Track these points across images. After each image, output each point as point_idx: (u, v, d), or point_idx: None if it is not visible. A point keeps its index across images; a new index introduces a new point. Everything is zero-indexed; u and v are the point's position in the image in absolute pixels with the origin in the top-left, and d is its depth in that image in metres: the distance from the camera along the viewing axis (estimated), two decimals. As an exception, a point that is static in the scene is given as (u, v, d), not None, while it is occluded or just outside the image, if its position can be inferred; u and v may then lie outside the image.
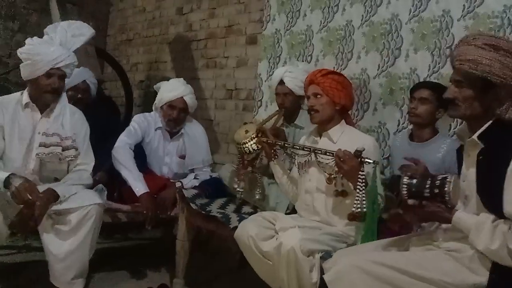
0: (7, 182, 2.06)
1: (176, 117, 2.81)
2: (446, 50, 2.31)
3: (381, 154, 2.42)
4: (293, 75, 2.59)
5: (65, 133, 2.32)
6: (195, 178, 2.82)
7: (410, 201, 1.48)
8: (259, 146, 2.22)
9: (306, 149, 2.07)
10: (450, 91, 1.53)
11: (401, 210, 1.59)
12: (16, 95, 2.36)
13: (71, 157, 2.33)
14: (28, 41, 2.30)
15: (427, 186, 1.45)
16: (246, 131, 2.28)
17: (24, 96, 2.32)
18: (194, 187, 2.67)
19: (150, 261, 2.93)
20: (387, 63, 2.56)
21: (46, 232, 2.16)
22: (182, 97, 2.81)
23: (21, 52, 2.27)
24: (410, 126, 2.28)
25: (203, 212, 2.37)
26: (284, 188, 2.29)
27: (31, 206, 2.04)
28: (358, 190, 1.83)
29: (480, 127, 1.48)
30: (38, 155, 2.27)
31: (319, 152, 2.01)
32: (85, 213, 2.16)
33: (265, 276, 1.99)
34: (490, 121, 1.47)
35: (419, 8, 2.44)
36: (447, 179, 1.43)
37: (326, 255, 1.80)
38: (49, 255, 2.17)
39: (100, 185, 2.60)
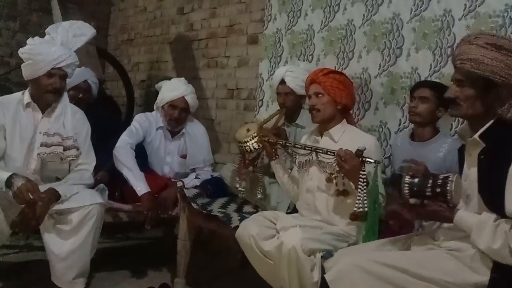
0: (9, 182, 2.06)
1: (177, 117, 2.82)
2: (448, 49, 2.31)
3: (382, 153, 2.42)
4: (294, 75, 2.59)
5: (67, 133, 2.32)
6: (196, 177, 2.83)
7: (412, 200, 1.49)
8: (260, 145, 2.22)
9: (308, 148, 2.06)
10: (452, 90, 1.53)
11: (397, 206, 1.60)
12: (17, 95, 2.36)
13: (73, 157, 2.33)
14: (29, 41, 2.30)
15: (429, 185, 1.45)
16: (248, 130, 2.28)
17: (25, 96, 2.32)
18: (195, 187, 2.68)
19: (151, 261, 2.93)
20: (388, 62, 2.55)
21: (48, 231, 2.17)
22: (183, 96, 2.81)
23: (22, 52, 2.27)
24: (411, 126, 2.28)
25: (204, 212, 2.37)
26: (285, 187, 2.29)
27: (33, 206, 2.05)
28: (359, 190, 1.83)
29: (481, 126, 1.48)
30: (39, 155, 2.27)
31: (321, 151, 2.01)
32: (87, 213, 2.16)
33: (266, 276, 1.99)
34: (492, 121, 1.47)
35: (420, 7, 2.43)
36: (449, 179, 1.43)
37: (327, 255, 1.80)
38: (50, 254, 2.17)
39: (102, 185, 2.60)
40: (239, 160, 2.38)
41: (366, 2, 2.67)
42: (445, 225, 1.57)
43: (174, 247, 2.58)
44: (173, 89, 2.84)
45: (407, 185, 1.48)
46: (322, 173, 2.03)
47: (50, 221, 2.16)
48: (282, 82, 2.62)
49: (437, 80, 2.29)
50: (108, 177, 2.71)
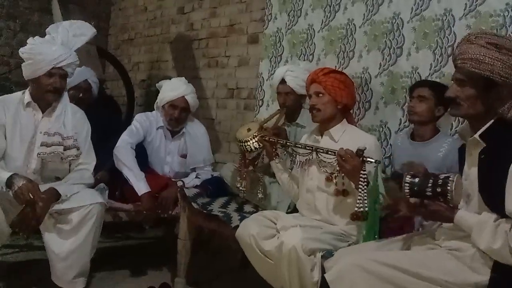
0: (9, 182, 2.07)
1: (177, 117, 2.81)
2: (448, 48, 2.31)
3: (383, 153, 2.42)
4: (295, 74, 2.59)
5: (67, 133, 2.32)
6: (196, 177, 2.84)
7: (412, 200, 1.48)
8: (261, 145, 2.22)
9: (308, 148, 2.06)
10: (452, 90, 1.53)
11: (397, 199, 1.60)
12: (17, 94, 2.36)
13: (73, 157, 2.33)
14: (29, 40, 2.30)
15: (430, 185, 1.45)
16: (248, 129, 2.28)
17: (25, 95, 2.32)
18: (196, 186, 2.68)
19: (152, 260, 2.93)
20: (388, 62, 2.55)
21: (48, 231, 2.17)
22: (183, 96, 2.81)
23: (22, 51, 2.27)
24: (412, 125, 2.28)
25: (205, 211, 2.37)
26: (285, 187, 2.29)
27: (33, 205, 2.05)
28: (360, 190, 1.83)
29: (482, 126, 1.48)
30: (39, 154, 2.27)
31: (321, 151, 2.01)
32: (87, 212, 2.16)
33: (267, 275, 1.99)
34: (492, 120, 1.47)
35: (420, 6, 2.43)
36: (450, 178, 1.43)
37: (328, 254, 1.80)
38: (50, 254, 2.17)
39: (102, 184, 2.61)
40: (239, 160, 2.38)
41: (367, 1, 2.67)
42: (446, 225, 1.56)
43: (174, 246, 2.58)
44: (173, 88, 2.84)
45: (407, 185, 1.48)
46: (322, 173, 2.03)
47: (50, 220, 2.17)
48: (283, 81, 2.62)
49: (438, 80, 2.29)
50: (108, 176, 2.71)
